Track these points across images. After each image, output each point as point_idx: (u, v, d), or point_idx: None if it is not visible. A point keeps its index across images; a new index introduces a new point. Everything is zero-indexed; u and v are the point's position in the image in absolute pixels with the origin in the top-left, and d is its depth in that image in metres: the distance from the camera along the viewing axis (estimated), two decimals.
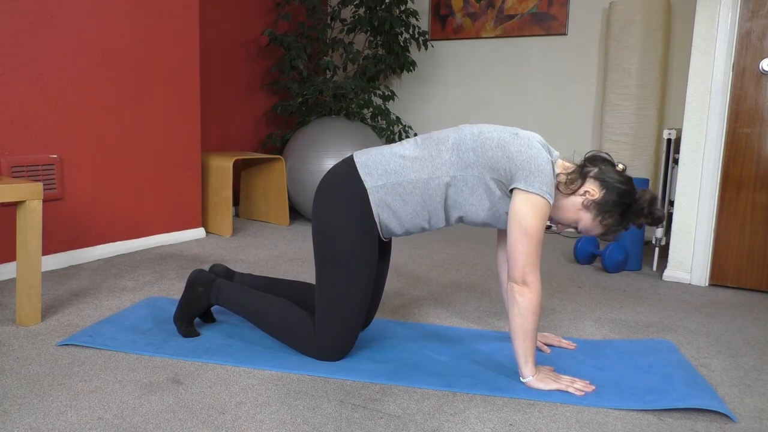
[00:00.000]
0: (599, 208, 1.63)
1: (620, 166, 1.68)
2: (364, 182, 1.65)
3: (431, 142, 1.66)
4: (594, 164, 1.67)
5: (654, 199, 1.65)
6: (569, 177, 1.65)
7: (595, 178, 1.64)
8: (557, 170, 1.67)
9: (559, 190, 1.66)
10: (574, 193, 1.65)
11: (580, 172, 1.65)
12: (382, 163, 1.66)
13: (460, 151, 1.62)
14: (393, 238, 3.14)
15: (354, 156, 1.71)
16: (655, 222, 1.65)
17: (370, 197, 1.64)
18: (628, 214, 1.64)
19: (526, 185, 1.53)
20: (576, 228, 1.69)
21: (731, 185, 2.64)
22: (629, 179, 1.65)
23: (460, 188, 1.62)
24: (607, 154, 1.70)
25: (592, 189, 1.63)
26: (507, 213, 1.63)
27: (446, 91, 4.44)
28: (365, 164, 1.67)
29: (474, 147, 1.61)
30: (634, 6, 3.48)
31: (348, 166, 1.69)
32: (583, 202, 1.64)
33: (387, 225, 1.68)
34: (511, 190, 1.58)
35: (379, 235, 1.70)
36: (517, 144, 1.58)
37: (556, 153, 1.68)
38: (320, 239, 1.68)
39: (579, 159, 1.78)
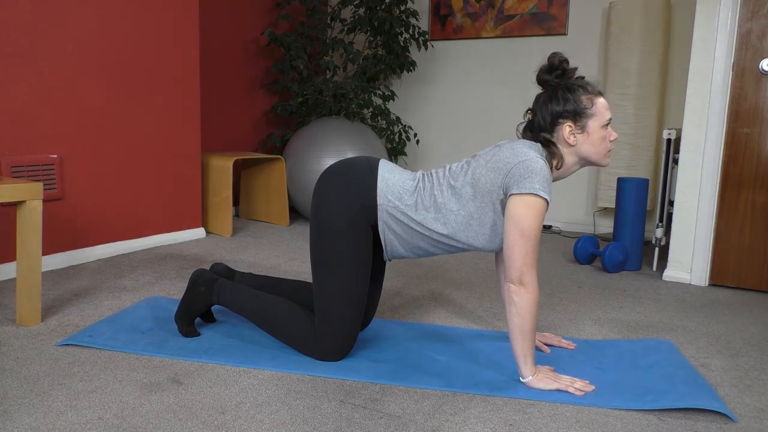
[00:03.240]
0: (578, 117, 1.61)
1: (528, 116, 1.69)
2: (378, 197, 1.65)
3: (433, 181, 1.67)
4: (534, 135, 1.67)
5: (543, 66, 1.63)
6: (550, 157, 1.65)
7: (548, 130, 1.64)
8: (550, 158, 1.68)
9: (558, 168, 1.67)
10: (569, 147, 1.64)
11: (546, 144, 1.65)
12: (400, 190, 1.67)
13: (456, 190, 1.64)
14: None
15: (380, 165, 1.71)
16: (562, 61, 1.61)
17: (378, 213, 1.65)
18: (569, 86, 1.62)
19: (518, 188, 1.54)
20: (609, 135, 1.65)
21: (731, 185, 2.64)
22: (536, 98, 1.66)
23: (469, 224, 1.63)
24: (517, 126, 1.72)
25: (563, 129, 1.62)
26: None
27: (446, 91, 4.44)
28: (386, 180, 1.67)
29: (469, 181, 1.63)
30: (634, 6, 3.48)
31: (370, 171, 1.69)
32: (578, 133, 1.62)
33: (391, 244, 1.70)
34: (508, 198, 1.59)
35: (374, 239, 1.72)
36: (503, 158, 1.59)
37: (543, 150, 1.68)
38: (319, 237, 1.68)
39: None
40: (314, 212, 1.70)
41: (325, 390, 1.56)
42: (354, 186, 1.66)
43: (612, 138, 1.66)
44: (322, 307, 1.68)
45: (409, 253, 1.72)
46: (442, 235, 1.65)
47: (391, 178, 1.68)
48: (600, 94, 1.64)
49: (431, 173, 1.71)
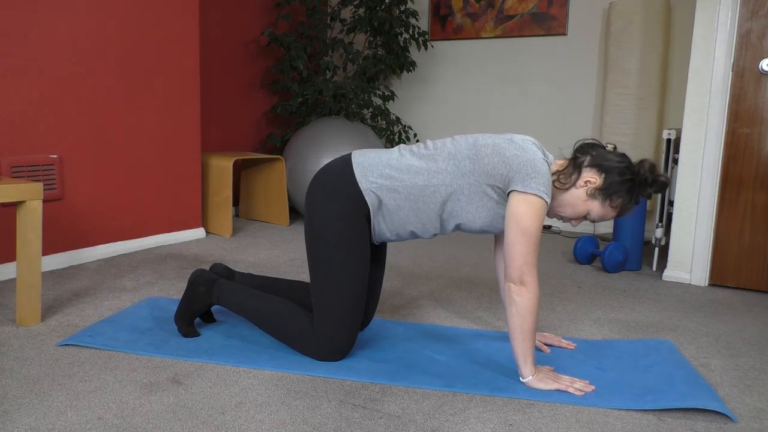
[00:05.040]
0: (605, 192, 1.62)
1: (609, 146, 1.68)
2: (359, 183, 1.65)
3: (427, 152, 1.67)
4: (585, 153, 1.67)
5: (654, 165, 1.63)
6: (564, 172, 1.65)
7: (591, 165, 1.64)
8: (553, 169, 1.68)
9: (556, 187, 1.66)
10: (574, 186, 1.64)
11: (574, 165, 1.66)
12: (379, 167, 1.66)
13: (456, 160, 1.62)
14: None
15: (352, 156, 1.71)
16: (662, 188, 1.63)
17: (366, 198, 1.64)
18: (635, 188, 1.63)
19: (523, 186, 1.54)
20: (588, 218, 1.68)
21: (731, 185, 2.64)
22: (624, 155, 1.65)
23: (457, 197, 1.62)
24: (593, 139, 1.70)
25: (592, 177, 1.63)
26: (503, 218, 1.63)
27: (446, 91, 4.44)
28: (362, 165, 1.67)
29: (470, 155, 1.61)
30: (634, 6, 3.48)
31: (345, 166, 1.69)
32: (587, 192, 1.64)
33: (379, 227, 1.69)
34: (509, 194, 1.58)
35: (370, 235, 1.71)
36: (512, 149, 1.58)
37: (551, 156, 1.68)
38: (313, 238, 1.68)
39: (568, 153, 1.78)
40: (307, 219, 1.70)
41: (324, 390, 1.56)
42: (336, 184, 1.66)
43: (574, 222, 1.70)
44: (322, 307, 1.68)
45: (394, 236, 1.70)
46: (429, 204, 1.63)
47: (366, 161, 1.68)
48: (621, 214, 1.68)
49: (425, 143, 1.69)
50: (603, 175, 1.62)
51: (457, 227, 1.69)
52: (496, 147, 1.60)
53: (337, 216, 1.65)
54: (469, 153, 1.62)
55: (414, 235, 1.72)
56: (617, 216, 1.68)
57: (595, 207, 1.65)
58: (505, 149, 1.59)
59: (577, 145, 1.70)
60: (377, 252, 1.86)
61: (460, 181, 1.61)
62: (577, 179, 1.64)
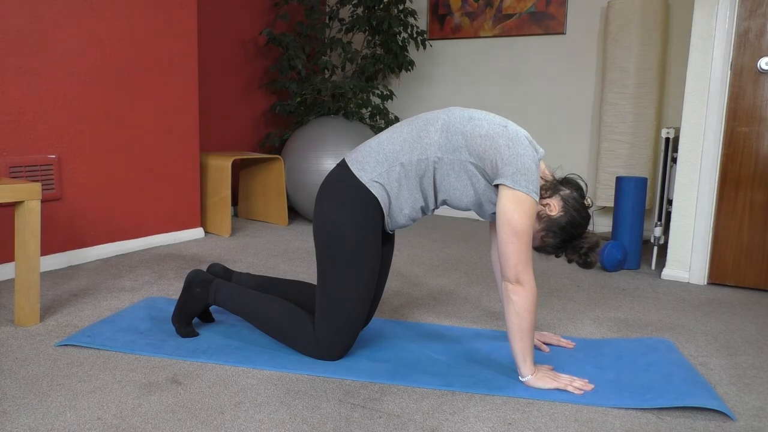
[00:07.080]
0: (548, 224, 1.67)
1: (588, 201, 1.72)
2: (360, 179, 1.65)
3: (419, 123, 1.67)
4: (568, 186, 1.71)
5: (596, 246, 1.70)
6: (545, 185, 1.69)
7: (562, 197, 1.68)
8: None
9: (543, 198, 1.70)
10: (547, 204, 1.69)
11: (554, 187, 1.69)
12: (372, 155, 1.67)
13: (449, 134, 1.62)
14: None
15: (345, 158, 1.72)
16: (584, 266, 1.71)
17: (372, 191, 1.64)
18: (566, 244, 1.70)
19: (513, 183, 1.54)
20: None
21: (729, 184, 2.64)
22: (588, 216, 1.70)
23: (446, 171, 1.63)
24: (585, 184, 1.75)
25: (554, 205, 1.67)
26: (491, 203, 1.65)
27: (444, 90, 4.44)
28: (357, 161, 1.68)
29: (463, 131, 1.61)
30: (632, 5, 3.48)
31: (342, 168, 1.70)
32: (540, 212, 1.68)
33: (391, 215, 1.69)
34: (497, 186, 1.58)
35: (382, 229, 1.71)
36: (506, 137, 1.58)
37: (541, 151, 1.68)
38: (323, 241, 1.68)
39: (560, 174, 1.83)
40: (318, 224, 1.69)
41: (324, 389, 1.56)
42: (340, 188, 1.66)
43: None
44: (326, 307, 1.67)
45: (408, 220, 1.71)
46: (425, 177, 1.64)
47: (358, 156, 1.69)
48: (540, 250, 1.75)
49: (416, 122, 1.68)
50: (561, 213, 1.67)
51: (444, 202, 1.70)
52: (490, 131, 1.60)
53: (348, 218, 1.64)
54: (463, 128, 1.62)
55: (423, 212, 1.73)
56: (537, 249, 1.74)
57: (535, 226, 1.69)
58: (498, 136, 1.58)
59: (571, 176, 1.75)
60: (385, 252, 1.86)
61: (450, 156, 1.62)
62: (545, 198, 1.68)
